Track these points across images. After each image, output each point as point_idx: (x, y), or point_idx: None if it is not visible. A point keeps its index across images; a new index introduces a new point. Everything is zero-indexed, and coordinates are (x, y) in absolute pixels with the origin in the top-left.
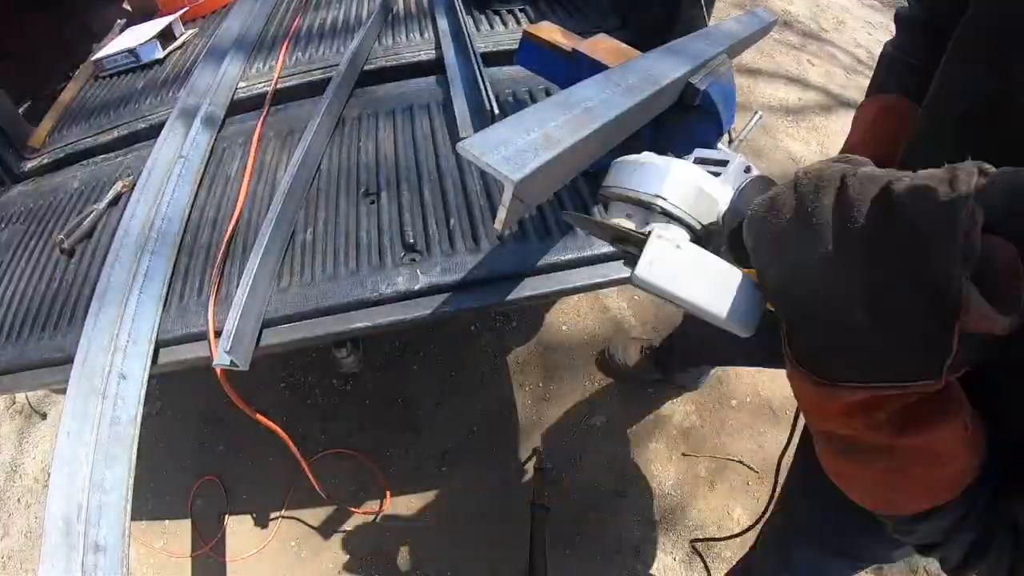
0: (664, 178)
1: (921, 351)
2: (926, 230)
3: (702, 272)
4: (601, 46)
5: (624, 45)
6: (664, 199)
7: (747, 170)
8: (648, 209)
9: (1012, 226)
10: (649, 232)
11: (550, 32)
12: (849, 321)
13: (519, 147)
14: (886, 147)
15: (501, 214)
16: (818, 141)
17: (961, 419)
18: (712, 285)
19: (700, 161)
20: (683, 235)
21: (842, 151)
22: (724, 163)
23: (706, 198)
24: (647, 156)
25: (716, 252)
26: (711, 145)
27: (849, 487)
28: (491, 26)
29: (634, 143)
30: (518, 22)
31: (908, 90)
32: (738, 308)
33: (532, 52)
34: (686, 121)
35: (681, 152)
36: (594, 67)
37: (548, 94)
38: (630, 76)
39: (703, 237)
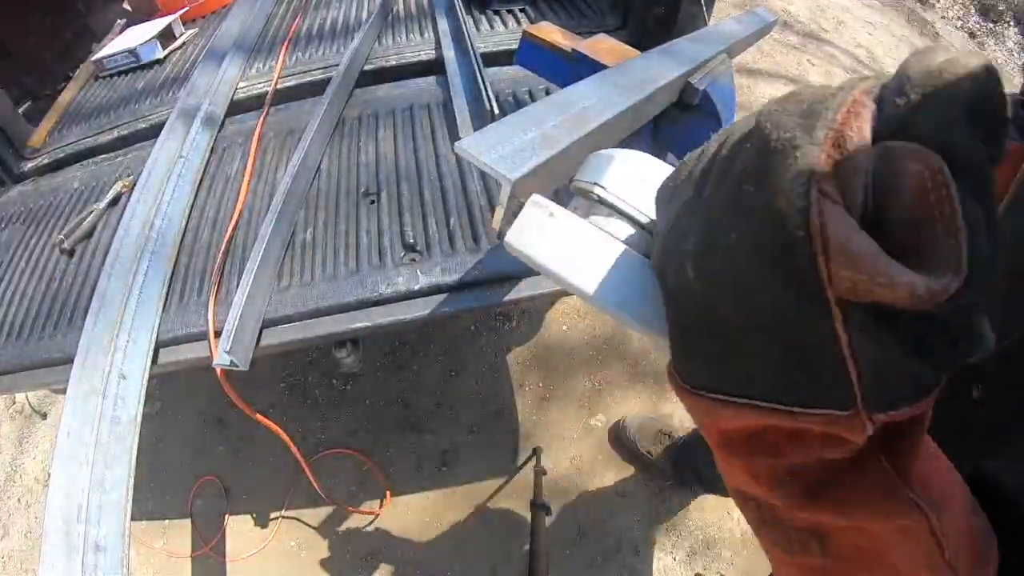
0: (607, 166)
1: (786, 336)
2: (774, 132)
3: (574, 241)
4: (601, 46)
5: (624, 45)
6: (602, 187)
7: None
8: (588, 199)
9: (930, 124)
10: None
11: (549, 32)
12: (684, 280)
13: (516, 146)
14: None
15: (498, 213)
16: None
17: (923, 512)
18: (583, 256)
19: None
20: (622, 225)
21: None
22: None
23: (652, 188)
24: (609, 149)
25: None
26: None
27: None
28: (491, 26)
29: (634, 142)
30: (518, 22)
31: None
32: (615, 287)
33: (532, 52)
34: (685, 121)
35: (680, 152)
36: (594, 67)
37: (548, 94)
38: (629, 75)
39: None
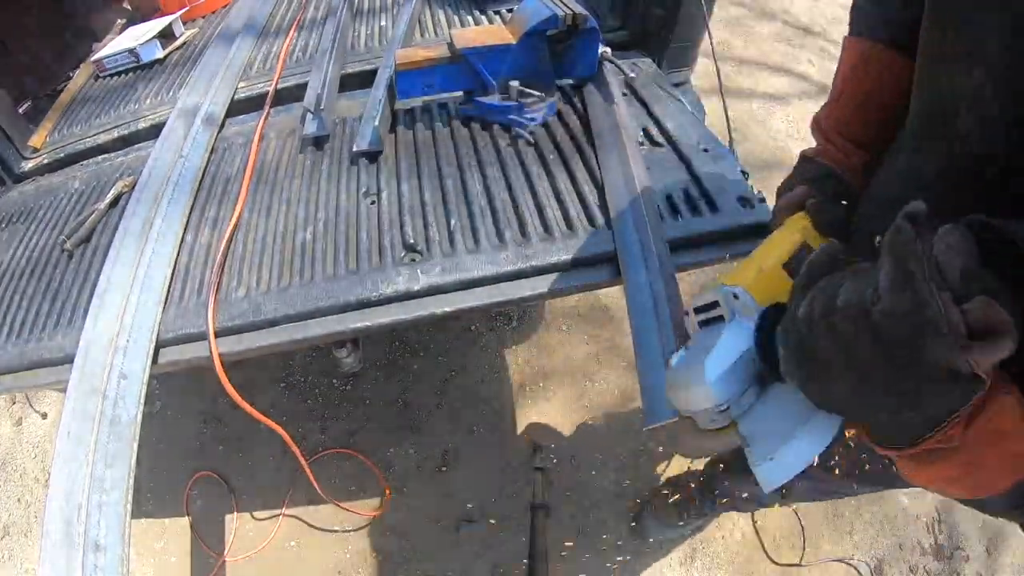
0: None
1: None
2: (911, 343)
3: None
4: (469, 35)
5: (491, 26)
6: None
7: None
8: None
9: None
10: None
11: (417, 53)
12: (885, 412)
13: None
14: (867, 108)
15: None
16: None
17: (1014, 395)
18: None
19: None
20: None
21: (827, 117)
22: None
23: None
24: None
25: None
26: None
27: (943, 487)
28: (491, 24)
29: None
30: None
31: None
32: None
33: (413, 79)
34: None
35: None
36: (477, 54)
37: None
38: None
39: None
